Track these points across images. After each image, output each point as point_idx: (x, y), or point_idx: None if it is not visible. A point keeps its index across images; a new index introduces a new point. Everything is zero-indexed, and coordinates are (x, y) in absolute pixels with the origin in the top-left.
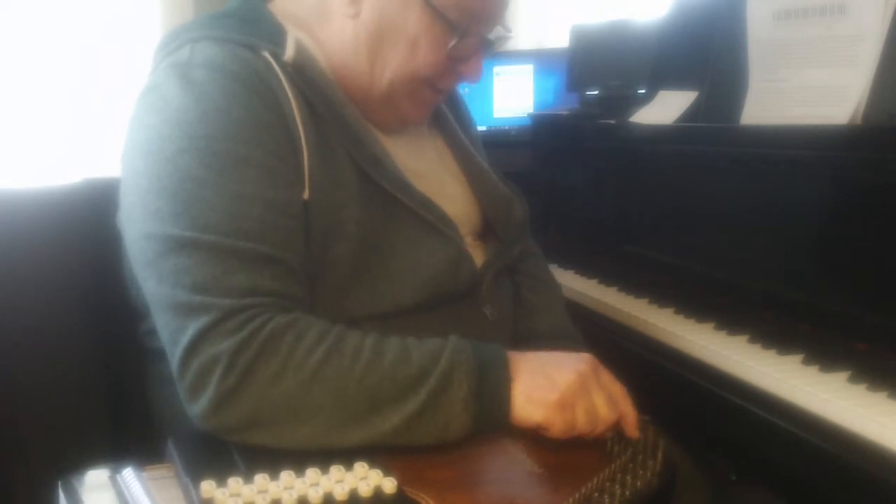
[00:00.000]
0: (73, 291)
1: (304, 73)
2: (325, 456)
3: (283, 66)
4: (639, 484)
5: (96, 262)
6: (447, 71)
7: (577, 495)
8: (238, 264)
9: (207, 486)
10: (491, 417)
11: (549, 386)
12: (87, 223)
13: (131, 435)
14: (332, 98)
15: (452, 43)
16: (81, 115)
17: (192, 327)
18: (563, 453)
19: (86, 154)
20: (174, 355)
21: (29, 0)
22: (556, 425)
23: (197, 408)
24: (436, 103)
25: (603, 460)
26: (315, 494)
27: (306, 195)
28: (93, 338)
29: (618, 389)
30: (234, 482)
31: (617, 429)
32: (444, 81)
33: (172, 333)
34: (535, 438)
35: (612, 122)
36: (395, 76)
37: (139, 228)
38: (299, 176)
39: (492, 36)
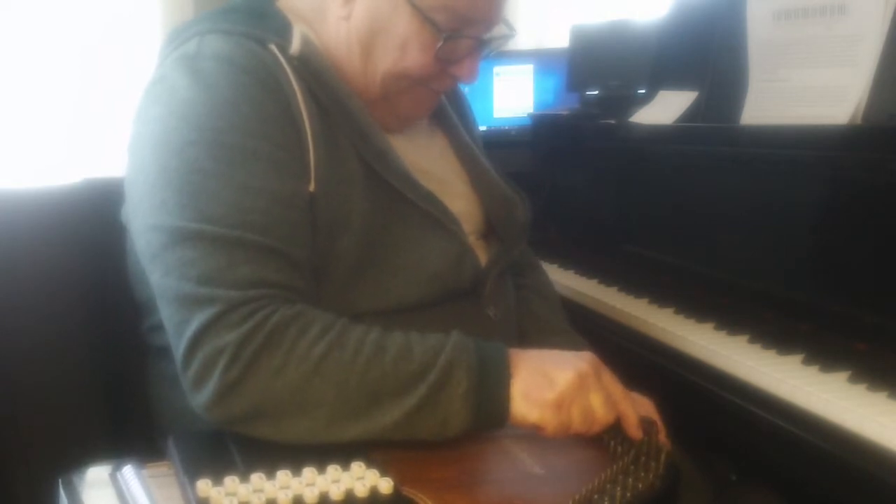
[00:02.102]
0: (73, 291)
1: (310, 66)
2: (322, 455)
3: (289, 59)
4: (640, 486)
5: (96, 261)
6: (439, 72)
7: (577, 497)
8: (243, 256)
9: (203, 485)
10: (490, 415)
11: (547, 385)
12: (87, 223)
13: (132, 432)
14: (338, 91)
15: (439, 45)
16: (81, 115)
17: (197, 319)
18: (563, 454)
19: (86, 154)
20: (178, 347)
21: (29, 0)
22: (551, 425)
23: (200, 399)
24: (436, 101)
25: (604, 461)
26: (311, 494)
27: (312, 188)
28: (93, 337)
29: (618, 390)
30: (231, 481)
31: (619, 429)
32: (439, 82)
33: (177, 325)
34: (535, 438)
35: (612, 122)
36: (386, 77)
37: (145, 220)
38: (305, 169)
39: (487, 36)
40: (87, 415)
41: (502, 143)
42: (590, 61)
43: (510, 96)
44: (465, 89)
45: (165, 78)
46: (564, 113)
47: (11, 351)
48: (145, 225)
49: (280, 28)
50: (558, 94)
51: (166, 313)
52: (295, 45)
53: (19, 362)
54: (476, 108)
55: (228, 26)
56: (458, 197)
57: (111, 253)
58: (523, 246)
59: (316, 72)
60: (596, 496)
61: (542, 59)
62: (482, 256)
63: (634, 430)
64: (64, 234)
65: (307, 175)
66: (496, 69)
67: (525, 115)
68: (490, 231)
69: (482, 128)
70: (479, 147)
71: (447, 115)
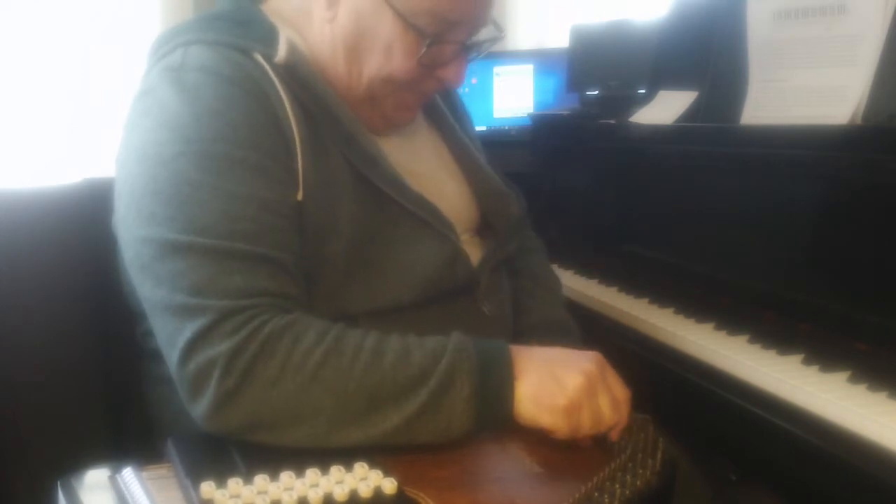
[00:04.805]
0: (72, 291)
1: (296, 74)
2: (325, 456)
3: (275, 67)
4: (638, 483)
5: (96, 262)
6: (425, 76)
7: (577, 495)
8: (235, 266)
9: (207, 488)
10: (493, 417)
11: (558, 389)
12: (87, 223)
13: (131, 435)
14: (326, 98)
15: (423, 51)
16: (81, 115)
17: (189, 329)
18: (563, 453)
19: (86, 154)
20: (172, 358)
21: (29, 0)
22: (563, 430)
23: (198, 410)
24: (420, 104)
25: (603, 459)
26: (315, 495)
27: (300, 195)
28: (92, 338)
29: (621, 391)
30: (234, 483)
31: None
32: (425, 86)
33: (170, 336)
34: (535, 437)
35: (612, 122)
36: (372, 80)
37: (134, 232)
38: (293, 176)
39: (473, 40)
40: (87, 416)
41: (502, 143)
42: (590, 61)
43: (510, 96)
44: (466, 89)
45: (152, 90)
46: (564, 113)
47: (11, 351)
48: (134, 237)
49: (265, 36)
50: (558, 94)
51: (158, 324)
52: (280, 54)
53: (19, 362)
54: (476, 108)
55: (212, 36)
56: (451, 196)
57: (111, 253)
58: (519, 241)
59: (302, 79)
60: (596, 494)
61: (542, 59)
62: (477, 253)
63: (616, 434)
64: (64, 234)
65: (295, 183)
66: (496, 69)
67: (525, 115)
68: (485, 228)
69: (482, 128)
70: (475, 143)
71: (440, 111)
